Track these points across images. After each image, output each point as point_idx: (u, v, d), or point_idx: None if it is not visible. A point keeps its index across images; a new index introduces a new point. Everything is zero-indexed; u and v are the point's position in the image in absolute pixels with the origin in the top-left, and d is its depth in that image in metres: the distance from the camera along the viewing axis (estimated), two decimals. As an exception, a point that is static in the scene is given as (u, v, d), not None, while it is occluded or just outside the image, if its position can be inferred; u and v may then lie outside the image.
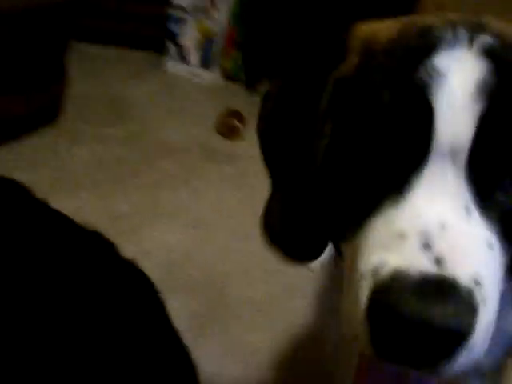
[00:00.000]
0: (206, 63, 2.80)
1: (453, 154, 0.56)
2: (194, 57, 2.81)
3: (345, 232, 0.63)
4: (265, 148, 0.76)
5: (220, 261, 1.76)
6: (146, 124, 2.39)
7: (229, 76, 2.80)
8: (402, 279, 0.51)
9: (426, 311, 0.50)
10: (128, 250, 1.67)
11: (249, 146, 2.34)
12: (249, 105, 2.42)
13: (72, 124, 2.28)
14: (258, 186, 1.87)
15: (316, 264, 0.87)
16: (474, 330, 0.52)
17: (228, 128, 2.43)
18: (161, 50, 2.83)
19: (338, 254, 0.70)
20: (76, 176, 2.03)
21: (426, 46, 0.59)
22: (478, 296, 0.53)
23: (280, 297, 1.65)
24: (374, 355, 0.54)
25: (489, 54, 0.58)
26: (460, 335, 0.51)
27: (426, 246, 0.53)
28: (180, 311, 1.47)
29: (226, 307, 1.61)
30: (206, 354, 1.39)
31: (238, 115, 2.45)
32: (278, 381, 1.38)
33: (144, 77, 2.71)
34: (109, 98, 2.52)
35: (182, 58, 2.82)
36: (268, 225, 0.76)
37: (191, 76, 2.80)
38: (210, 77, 2.79)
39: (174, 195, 2.02)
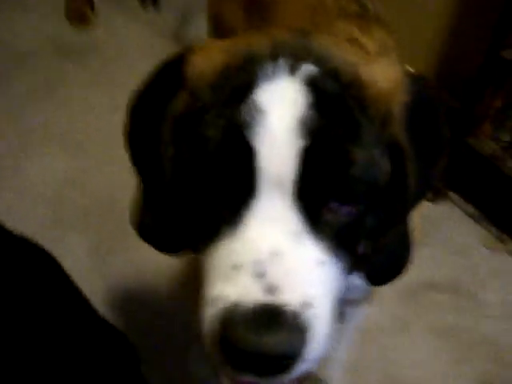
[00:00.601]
0: None
1: (279, 186, 0.58)
2: None
3: (195, 245, 0.66)
4: (130, 154, 0.75)
5: (107, 178, 1.71)
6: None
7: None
8: (237, 312, 0.57)
9: (258, 343, 0.56)
10: (14, 191, 1.62)
11: (104, 34, 2.18)
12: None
13: None
14: (125, 80, 1.80)
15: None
16: (306, 345, 0.58)
17: (79, 15, 2.23)
18: None
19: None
20: None
21: (246, 81, 0.58)
22: (308, 315, 0.58)
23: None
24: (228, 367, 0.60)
25: (310, 84, 0.58)
26: (292, 355, 0.57)
27: (259, 274, 0.57)
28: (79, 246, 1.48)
29: (124, 233, 1.59)
30: (112, 280, 1.43)
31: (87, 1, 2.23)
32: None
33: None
34: None
35: None
36: (135, 215, 0.76)
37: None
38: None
39: (42, 115, 1.88)
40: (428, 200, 1.75)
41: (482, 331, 1.45)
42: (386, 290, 0.96)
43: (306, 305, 0.58)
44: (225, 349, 0.58)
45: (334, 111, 0.58)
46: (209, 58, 0.62)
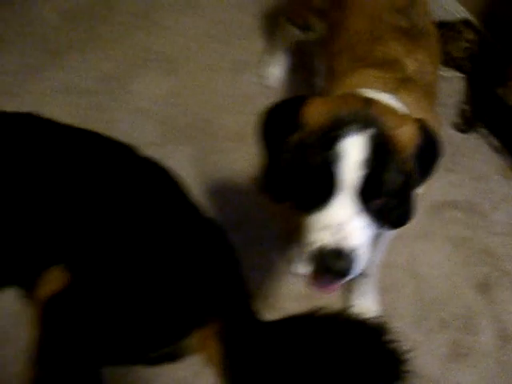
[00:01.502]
0: None
1: (348, 190, 1.04)
2: None
3: (301, 211, 1.13)
4: (262, 145, 1.20)
5: (202, 100, 2.12)
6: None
7: None
8: (325, 249, 1.05)
9: (334, 264, 1.05)
10: (124, 111, 2.05)
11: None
12: None
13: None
14: (213, 8, 2.17)
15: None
16: (354, 267, 1.07)
17: None
18: None
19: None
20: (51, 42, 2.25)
21: (335, 135, 1.03)
22: (356, 254, 1.06)
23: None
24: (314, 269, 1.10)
25: (372, 139, 1.03)
26: (347, 271, 1.07)
27: (336, 231, 1.05)
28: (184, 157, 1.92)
29: (214, 145, 2.04)
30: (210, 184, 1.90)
31: None
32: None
33: None
34: None
35: None
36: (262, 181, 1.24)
37: None
38: None
39: (147, 40, 2.26)
40: (460, 131, 2.14)
41: (489, 244, 1.90)
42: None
43: (356, 248, 1.06)
44: (317, 266, 1.08)
45: (380, 156, 1.03)
46: (317, 112, 1.07)
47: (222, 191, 1.91)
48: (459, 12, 2.30)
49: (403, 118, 1.09)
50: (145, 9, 2.37)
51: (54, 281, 1.52)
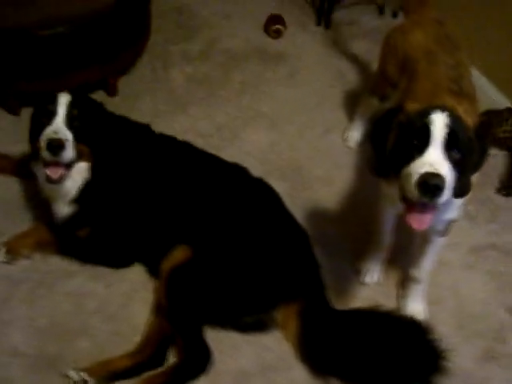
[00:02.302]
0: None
1: (438, 141, 1.57)
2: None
3: (398, 168, 1.65)
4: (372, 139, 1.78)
5: (296, 150, 2.71)
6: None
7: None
8: (426, 175, 1.54)
9: (432, 180, 1.54)
10: (234, 152, 2.62)
11: (291, 45, 3.16)
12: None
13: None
14: (309, 82, 2.79)
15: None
16: (446, 189, 1.55)
17: (274, 31, 3.21)
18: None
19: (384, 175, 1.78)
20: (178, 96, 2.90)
21: (427, 113, 1.59)
22: (446, 181, 1.56)
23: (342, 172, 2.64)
24: (418, 196, 1.56)
25: (449, 115, 1.58)
26: (442, 189, 1.55)
27: (432, 165, 1.55)
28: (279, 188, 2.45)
29: (304, 184, 2.59)
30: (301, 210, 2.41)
31: (280, 19, 3.21)
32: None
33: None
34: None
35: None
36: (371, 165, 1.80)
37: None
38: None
39: (252, 101, 2.89)
40: (501, 194, 2.64)
41: None
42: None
43: (446, 176, 1.55)
44: (420, 186, 1.55)
45: (457, 126, 1.58)
46: (408, 115, 1.65)
47: (308, 217, 2.44)
48: (504, 102, 2.86)
49: (466, 111, 1.69)
50: (253, 79, 3.01)
51: (178, 255, 2.07)
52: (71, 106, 2.01)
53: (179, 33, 3.22)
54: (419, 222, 1.63)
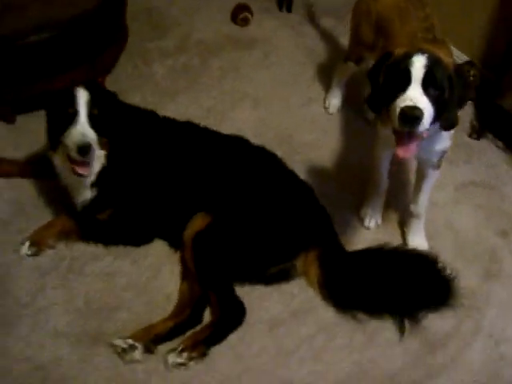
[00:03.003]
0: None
1: (418, 80, 1.79)
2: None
3: (387, 104, 1.86)
4: (370, 79, 1.98)
5: (283, 122, 2.91)
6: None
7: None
8: (406, 107, 1.77)
9: (412, 112, 1.76)
10: (226, 130, 2.79)
11: (259, 30, 3.38)
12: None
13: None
14: (283, 62, 3.00)
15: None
16: (423, 119, 1.78)
17: (242, 19, 3.41)
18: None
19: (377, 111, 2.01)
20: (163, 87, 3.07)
21: (409, 56, 1.81)
22: (423, 112, 1.80)
23: (328, 136, 2.84)
24: (399, 125, 1.79)
25: (428, 57, 1.80)
26: (420, 118, 1.77)
27: (411, 100, 1.78)
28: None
29: (296, 150, 2.78)
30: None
31: (247, 8, 3.41)
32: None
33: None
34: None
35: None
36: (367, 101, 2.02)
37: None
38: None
39: (234, 84, 3.08)
40: (473, 138, 2.90)
41: (502, 207, 2.59)
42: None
43: (423, 108, 1.78)
44: (400, 117, 1.78)
45: (434, 64, 1.79)
46: (394, 58, 1.86)
47: (304, 177, 2.62)
48: (464, 58, 3.14)
49: (444, 55, 1.87)
50: (231, 65, 3.20)
51: (199, 222, 2.24)
52: (92, 105, 2.13)
53: (153, 32, 3.38)
54: (405, 150, 1.87)
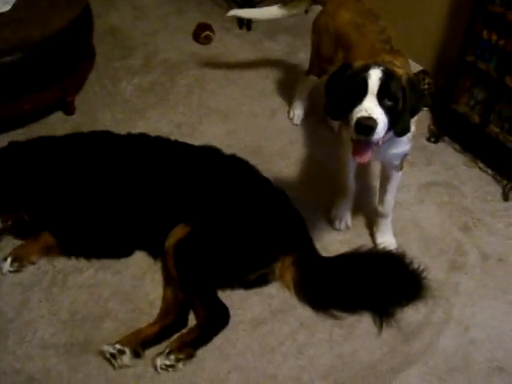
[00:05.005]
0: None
1: (373, 94, 1.92)
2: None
3: (345, 115, 2.01)
4: (327, 91, 2.09)
5: (251, 134, 3.02)
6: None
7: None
8: (361, 118, 1.89)
9: (366, 122, 1.88)
10: (197, 144, 2.89)
11: (221, 47, 3.52)
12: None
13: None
14: (246, 77, 3.14)
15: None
16: (377, 129, 1.91)
17: (204, 37, 3.53)
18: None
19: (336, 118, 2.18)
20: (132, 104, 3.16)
21: (366, 69, 1.94)
22: (377, 122, 1.91)
23: (295, 145, 2.97)
24: (355, 134, 1.93)
25: (383, 70, 1.94)
26: (374, 128, 1.91)
27: (367, 111, 1.91)
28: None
29: (265, 160, 2.90)
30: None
31: (208, 27, 3.54)
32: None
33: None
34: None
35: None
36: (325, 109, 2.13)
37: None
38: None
39: (201, 100, 3.19)
40: (431, 141, 3.07)
41: (463, 204, 2.76)
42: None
43: (377, 118, 1.90)
44: (356, 127, 1.92)
45: (388, 77, 1.92)
46: (352, 70, 1.99)
47: (275, 185, 2.74)
48: (418, 67, 3.33)
49: (398, 66, 2.01)
50: (196, 81, 3.32)
51: (180, 232, 2.32)
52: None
53: (117, 52, 3.47)
54: (361, 156, 2.00)
